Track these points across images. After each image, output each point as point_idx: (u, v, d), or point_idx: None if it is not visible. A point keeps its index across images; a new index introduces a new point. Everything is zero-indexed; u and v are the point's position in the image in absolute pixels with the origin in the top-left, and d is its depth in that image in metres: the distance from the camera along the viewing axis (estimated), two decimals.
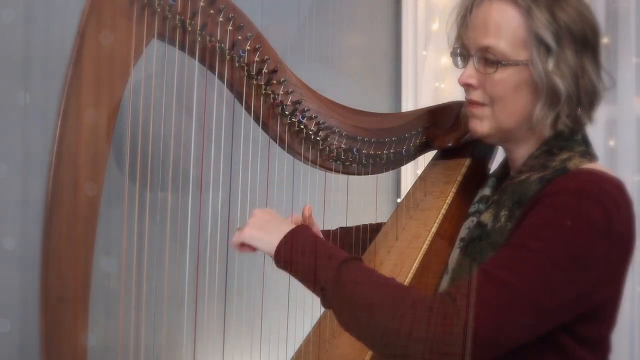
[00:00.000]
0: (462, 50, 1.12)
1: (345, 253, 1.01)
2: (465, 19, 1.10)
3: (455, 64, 1.15)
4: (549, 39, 1.01)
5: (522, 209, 0.99)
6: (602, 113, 1.83)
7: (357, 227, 1.40)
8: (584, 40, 1.03)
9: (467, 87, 1.10)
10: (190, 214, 1.21)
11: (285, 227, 1.04)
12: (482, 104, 1.09)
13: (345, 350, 1.11)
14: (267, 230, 1.05)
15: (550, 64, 1.01)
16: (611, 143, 1.85)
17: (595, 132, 1.83)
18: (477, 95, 1.09)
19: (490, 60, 1.05)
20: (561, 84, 1.01)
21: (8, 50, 1.35)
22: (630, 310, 1.77)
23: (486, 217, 1.07)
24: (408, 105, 2.18)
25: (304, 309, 1.06)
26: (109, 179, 1.00)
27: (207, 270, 1.20)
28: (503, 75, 1.04)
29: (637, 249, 1.75)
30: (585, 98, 1.04)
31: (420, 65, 2.14)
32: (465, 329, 0.87)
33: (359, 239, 1.36)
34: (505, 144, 1.14)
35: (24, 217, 1.36)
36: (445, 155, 1.37)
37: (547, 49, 1.01)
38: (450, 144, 1.30)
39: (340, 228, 1.41)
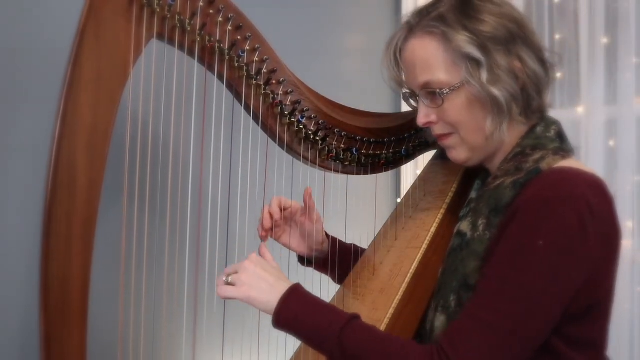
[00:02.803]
0: (411, 93, 1.15)
1: (341, 316, 1.01)
2: (399, 65, 1.13)
3: (411, 107, 1.18)
4: (475, 52, 1.02)
5: (500, 218, 1.00)
6: (602, 113, 1.84)
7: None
8: (510, 37, 1.03)
9: (427, 126, 1.12)
10: (190, 214, 1.21)
11: (280, 286, 1.04)
12: (448, 134, 1.11)
13: None
14: (261, 291, 1.04)
15: (484, 75, 1.02)
16: (611, 143, 1.85)
17: (595, 132, 1.84)
18: (440, 129, 1.11)
19: (433, 93, 1.07)
20: (498, 92, 1.02)
21: (8, 50, 1.35)
22: (630, 310, 1.76)
23: (465, 226, 1.08)
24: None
25: None
26: (108, 179, 1.00)
27: (207, 269, 1.20)
28: (451, 103, 1.06)
29: (637, 249, 1.77)
30: (532, 89, 1.05)
31: None
32: None
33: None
34: (486, 159, 1.15)
35: (23, 217, 1.37)
36: (444, 155, 1.36)
37: (477, 63, 1.02)
38: None
39: (355, 245, 1.42)
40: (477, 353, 0.93)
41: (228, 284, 1.06)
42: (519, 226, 0.95)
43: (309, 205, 1.30)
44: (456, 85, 1.04)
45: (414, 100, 1.15)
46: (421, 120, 1.11)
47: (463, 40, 1.02)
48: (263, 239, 1.25)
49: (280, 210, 1.28)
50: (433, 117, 1.10)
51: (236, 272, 1.06)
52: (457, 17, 1.03)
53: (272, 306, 1.03)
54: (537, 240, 0.92)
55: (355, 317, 1.02)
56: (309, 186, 1.27)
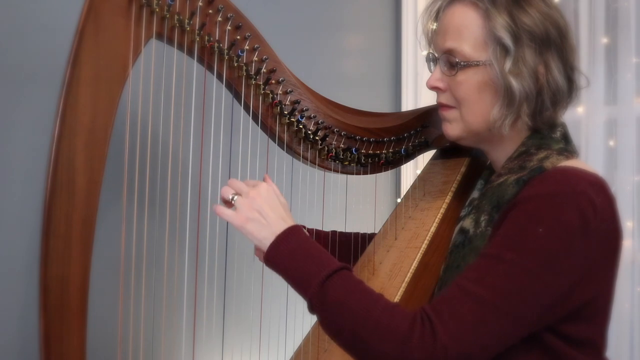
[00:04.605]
0: (434, 55, 1.15)
1: (333, 263, 0.98)
2: (435, 24, 1.14)
3: (430, 70, 1.17)
4: (507, 39, 1.02)
5: (500, 212, 1.00)
6: (602, 113, 1.84)
7: (351, 234, 1.40)
8: (546, 40, 1.04)
9: (435, 90, 1.13)
10: (189, 214, 1.21)
11: (277, 226, 1.01)
12: (450, 107, 1.11)
13: (344, 350, 1.11)
14: (259, 226, 1.02)
15: (508, 64, 1.02)
16: (611, 143, 1.85)
17: (595, 132, 1.84)
18: (445, 98, 1.11)
19: (453, 62, 1.07)
20: (516, 84, 1.02)
21: (7, 50, 1.35)
22: (630, 310, 1.76)
23: (468, 223, 1.08)
24: (408, 105, 2.19)
25: (303, 308, 1.06)
26: (107, 179, 1.00)
27: (206, 270, 1.20)
28: (465, 77, 1.06)
29: (637, 249, 1.76)
30: (548, 97, 1.05)
31: (420, 65, 2.14)
32: (444, 352, 0.89)
33: (350, 246, 1.36)
34: (481, 146, 1.15)
35: (23, 217, 1.37)
36: (444, 154, 1.37)
37: (505, 50, 1.03)
38: (449, 143, 1.30)
39: (333, 232, 1.41)
40: (461, 322, 0.90)
41: (230, 202, 1.03)
42: (520, 214, 0.95)
43: None
44: (476, 62, 1.05)
45: (434, 64, 1.14)
46: (430, 82, 1.12)
47: (500, 24, 1.02)
48: None
49: None
50: (443, 84, 1.10)
51: (240, 195, 1.03)
52: (507, 0, 1.04)
53: (265, 243, 1.01)
54: (538, 227, 0.92)
55: (345, 267, 0.99)
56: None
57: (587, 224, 0.93)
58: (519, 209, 0.96)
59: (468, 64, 1.05)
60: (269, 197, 1.04)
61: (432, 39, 1.15)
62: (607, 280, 1.00)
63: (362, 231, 1.42)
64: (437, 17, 1.13)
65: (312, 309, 0.98)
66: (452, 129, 1.12)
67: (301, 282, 0.98)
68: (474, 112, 1.08)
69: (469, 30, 1.05)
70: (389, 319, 0.92)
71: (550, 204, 0.94)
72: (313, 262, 0.98)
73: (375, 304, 0.94)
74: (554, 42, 1.04)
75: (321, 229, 1.36)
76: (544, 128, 1.08)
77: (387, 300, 0.96)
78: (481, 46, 1.05)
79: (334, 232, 1.41)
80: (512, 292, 0.91)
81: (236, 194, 1.04)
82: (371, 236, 1.38)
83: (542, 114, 1.06)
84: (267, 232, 1.01)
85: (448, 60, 1.08)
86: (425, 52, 1.19)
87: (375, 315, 0.93)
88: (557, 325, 0.97)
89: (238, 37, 1.11)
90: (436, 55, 1.12)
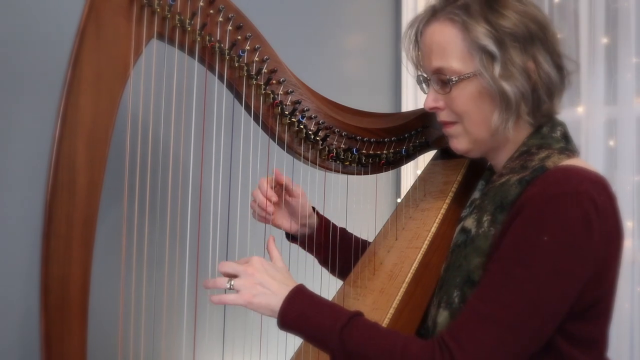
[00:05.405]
0: (424, 77, 1.16)
1: (343, 313, 1.01)
2: (418, 46, 1.15)
3: (423, 90, 1.18)
4: (491, 46, 1.03)
5: (505, 215, 1.00)
6: (602, 113, 1.84)
7: (352, 236, 1.40)
8: (529, 36, 1.04)
9: (433, 110, 1.13)
10: (190, 213, 1.21)
11: (283, 290, 1.04)
12: (452, 123, 1.12)
13: None
14: (265, 296, 1.04)
15: (497, 70, 1.03)
16: (611, 143, 1.85)
17: (595, 132, 1.83)
18: (445, 116, 1.12)
19: (444, 80, 1.07)
20: (509, 87, 1.03)
21: (8, 50, 1.35)
22: (630, 310, 1.76)
23: (470, 223, 1.08)
24: (408, 105, 2.19)
25: None
26: (108, 179, 1.00)
27: (209, 269, 1.20)
28: (459, 91, 1.07)
29: (637, 249, 1.76)
30: (543, 91, 1.06)
31: None
32: None
33: (350, 243, 1.36)
34: (488, 154, 1.15)
35: (24, 217, 1.36)
36: (444, 155, 1.37)
37: (491, 56, 1.03)
38: (448, 144, 1.30)
39: (342, 228, 1.41)
40: (480, 346, 0.93)
41: (229, 288, 1.05)
42: (524, 222, 0.96)
43: (285, 183, 1.30)
44: (467, 75, 1.05)
45: (426, 85, 1.15)
46: (428, 104, 1.12)
47: (481, 32, 1.03)
48: (265, 221, 1.27)
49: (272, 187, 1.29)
50: (440, 103, 1.11)
51: (236, 276, 1.06)
52: (481, 8, 1.04)
53: (275, 310, 1.03)
54: (542, 235, 0.93)
55: (357, 315, 1.02)
56: (276, 168, 1.27)
57: (590, 223, 0.93)
58: (522, 216, 0.96)
59: (459, 79, 1.06)
60: (266, 268, 1.07)
61: (419, 61, 1.16)
62: (611, 279, 1.01)
63: (362, 231, 1.42)
64: (417, 40, 1.14)
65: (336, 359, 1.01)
66: (460, 143, 1.13)
67: (319, 338, 1.01)
68: (476, 123, 1.08)
69: (451, 46, 1.06)
70: (410, 355, 0.96)
71: (553, 206, 0.94)
72: (324, 316, 1.01)
73: (394, 344, 0.98)
74: (537, 37, 1.05)
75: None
76: (546, 122, 1.09)
77: (403, 336, 1.00)
78: (467, 58, 1.05)
79: (343, 229, 1.41)
80: (526, 307, 0.93)
81: (231, 279, 1.06)
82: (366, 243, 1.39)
83: (540, 108, 1.07)
84: (275, 301, 1.03)
85: (439, 79, 1.08)
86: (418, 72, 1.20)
87: (397, 354, 0.96)
88: (562, 325, 0.97)
89: (239, 37, 1.11)
90: (426, 76, 1.13)
